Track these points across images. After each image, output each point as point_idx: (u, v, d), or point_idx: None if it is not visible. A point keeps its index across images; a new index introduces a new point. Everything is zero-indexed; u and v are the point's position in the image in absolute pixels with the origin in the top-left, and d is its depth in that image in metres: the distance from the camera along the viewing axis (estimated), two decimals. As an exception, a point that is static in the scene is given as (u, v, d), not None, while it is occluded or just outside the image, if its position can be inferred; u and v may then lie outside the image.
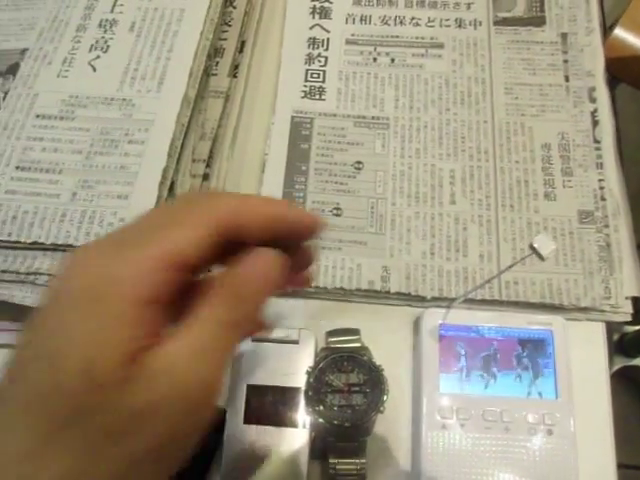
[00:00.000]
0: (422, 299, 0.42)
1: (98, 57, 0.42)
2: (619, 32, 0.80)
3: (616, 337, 1.09)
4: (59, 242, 0.35)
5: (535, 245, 0.31)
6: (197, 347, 0.21)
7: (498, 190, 0.45)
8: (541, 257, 0.31)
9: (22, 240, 0.35)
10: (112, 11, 0.43)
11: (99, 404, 0.19)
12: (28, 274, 0.35)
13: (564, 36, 0.50)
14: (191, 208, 0.23)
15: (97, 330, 0.20)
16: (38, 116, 0.39)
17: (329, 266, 0.43)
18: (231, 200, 0.23)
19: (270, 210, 0.24)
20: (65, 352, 0.19)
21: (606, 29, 0.60)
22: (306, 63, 0.50)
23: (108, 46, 0.42)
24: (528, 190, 0.45)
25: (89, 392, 0.19)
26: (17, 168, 0.37)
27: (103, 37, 0.42)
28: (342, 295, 0.43)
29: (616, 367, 1.04)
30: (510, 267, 0.33)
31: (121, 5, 0.44)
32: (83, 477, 0.19)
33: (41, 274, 0.35)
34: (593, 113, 0.48)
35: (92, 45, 0.42)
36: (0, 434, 0.19)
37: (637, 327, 1.06)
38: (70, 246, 0.35)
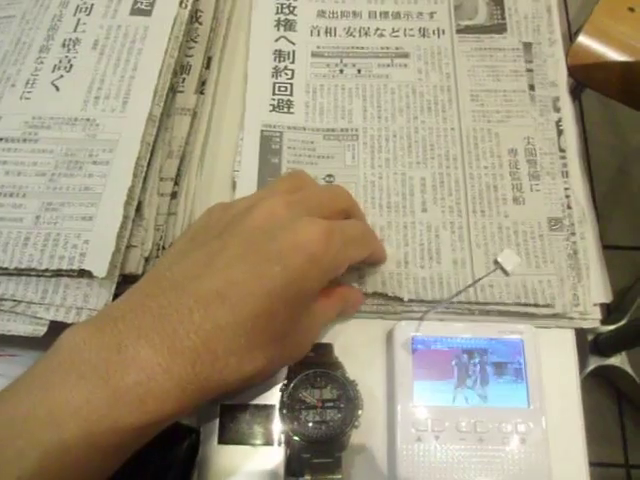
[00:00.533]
0: (400, 300, 0.42)
1: (61, 77, 0.41)
2: (583, 39, 0.82)
3: (591, 337, 1.12)
4: (22, 266, 0.34)
5: (499, 260, 0.31)
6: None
7: (468, 196, 0.45)
8: (506, 272, 0.31)
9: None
10: (75, 30, 0.43)
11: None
12: (-7, 300, 0.34)
13: (527, 45, 0.51)
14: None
15: None
16: (1, 139, 0.38)
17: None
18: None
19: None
20: None
21: (572, 36, 0.61)
22: (273, 76, 0.50)
23: (71, 65, 0.41)
24: (497, 195, 0.45)
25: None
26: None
27: (67, 56, 0.42)
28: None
29: (591, 367, 1.06)
30: (476, 282, 0.34)
31: (84, 24, 0.43)
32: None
33: (6, 300, 0.35)
34: (558, 123, 0.49)
35: (55, 65, 0.42)
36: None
37: (611, 327, 1.08)
38: (34, 270, 0.35)
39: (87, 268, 0.34)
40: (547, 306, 0.42)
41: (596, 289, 0.43)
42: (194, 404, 0.29)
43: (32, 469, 0.25)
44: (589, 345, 1.06)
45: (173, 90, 0.44)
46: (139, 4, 0.43)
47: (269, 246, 0.31)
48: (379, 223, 0.44)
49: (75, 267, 0.34)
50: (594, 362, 1.05)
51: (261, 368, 0.32)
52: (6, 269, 0.35)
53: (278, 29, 0.51)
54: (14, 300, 0.35)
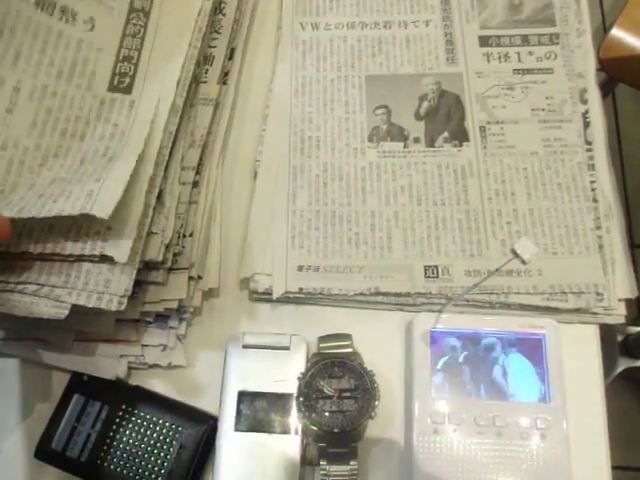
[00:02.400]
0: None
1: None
2: (616, 32, 0.80)
3: (620, 338, 1.09)
4: (46, 251, 0.35)
5: (516, 249, 0.31)
6: None
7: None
8: (523, 261, 0.31)
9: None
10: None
11: None
12: (17, 283, 0.35)
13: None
14: None
15: None
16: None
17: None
18: None
19: None
20: None
21: (606, 29, 0.60)
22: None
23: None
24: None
25: None
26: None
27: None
28: (334, 300, 0.43)
29: (620, 369, 1.04)
30: (493, 272, 0.33)
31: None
32: None
33: (30, 283, 0.36)
34: (584, 114, 0.47)
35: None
36: None
37: (641, 328, 1.05)
38: (57, 254, 0.36)
39: (109, 254, 0.35)
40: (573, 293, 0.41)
41: (621, 284, 0.42)
42: None
43: None
44: (618, 346, 1.04)
45: (196, 80, 0.45)
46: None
47: None
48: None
49: (97, 252, 0.35)
50: (623, 364, 1.02)
51: None
52: (30, 253, 0.35)
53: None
54: (37, 284, 0.35)
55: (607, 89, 0.87)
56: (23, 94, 0.39)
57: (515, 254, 0.31)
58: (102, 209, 0.33)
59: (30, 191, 0.37)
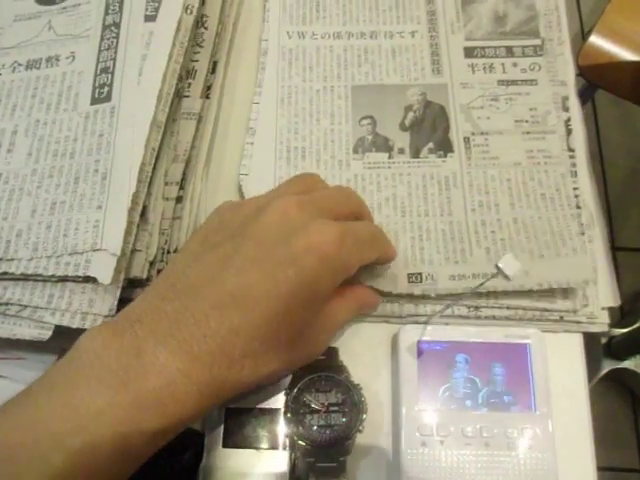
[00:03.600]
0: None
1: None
2: (594, 39, 0.81)
3: (604, 341, 1.10)
4: (29, 272, 0.35)
5: (500, 265, 0.31)
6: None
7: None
8: (507, 277, 0.31)
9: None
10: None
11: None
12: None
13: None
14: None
15: None
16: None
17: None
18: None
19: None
20: None
21: (584, 36, 0.61)
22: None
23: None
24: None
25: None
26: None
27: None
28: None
29: (604, 370, 1.05)
30: (477, 288, 0.34)
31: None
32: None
33: (12, 304, 0.35)
34: (567, 122, 0.48)
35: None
36: None
37: (624, 330, 1.07)
38: (40, 275, 0.35)
39: (92, 275, 0.35)
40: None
41: (604, 293, 0.42)
42: (212, 405, 0.30)
43: (56, 472, 0.26)
44: (603, 348, 1.05)
45: (179, 95, 0.44)
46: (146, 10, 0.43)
47: (282, 248, 0.31)
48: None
49: (80, 274, 0.35)
50: (608, 365, 1.04)
51: (276, 369, 0.33)
52: (12, 274, 0.35)
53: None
54: (20, 305, 0.35)
55: (587, 95, 0.88)
56: (20, 133, 0.42)
57: (499, 270, 0.31)
58: (112, 244, 0.35)
59: (34, 219, 0.38)
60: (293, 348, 0.33)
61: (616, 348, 1.05)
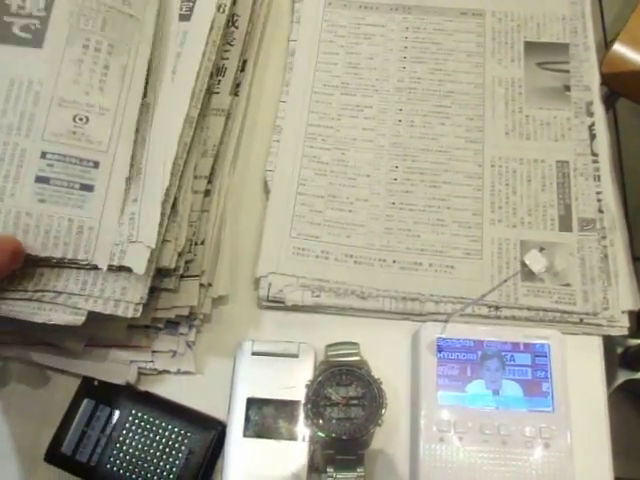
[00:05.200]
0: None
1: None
2: (618, 47, 0.81)
3: (620, 351, 1.09)
4: (68, 256, 0.36)
5: (527, 262, 0.31)
6: None
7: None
8: (532, 273, 0.32)
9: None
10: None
11: None
12: (35, 291, 0.36)
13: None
14: None
15: None
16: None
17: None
18: None
19: None
20: None
21: (607, 44, 0.61)
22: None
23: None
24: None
25: None
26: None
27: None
28: (341, 309, 0.44)
29: (619, 381, 1.04)
30: (502, 283, 0.34)
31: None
32: None
33: (48, 291, 0.36)
34: (591, 127, 0.48)
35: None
36: None
37: (640, 340, 1.06)
38: (75, 262, 0.36)
39: (127, 265, 0.36)
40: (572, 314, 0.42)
41: (624, 296, 0.43)
42: None
43: None
44: (618, 358, 1.04)
45: (209, 91, 0.45)
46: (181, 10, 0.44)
47: None
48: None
49: (116, 263, 0.36)
50: (623, 376, 1.03)
51: None
52: (49, 261, 0.36)
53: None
54: (55, 291, 0.36)
55: (609, 103, 0.88)
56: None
57: (524, 265, 0.32)
58: (147, 236, 0.36)
59: None
60: None
61: (631, 359, 1.04)
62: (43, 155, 0.38)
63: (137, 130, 0.39)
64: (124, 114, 0.39)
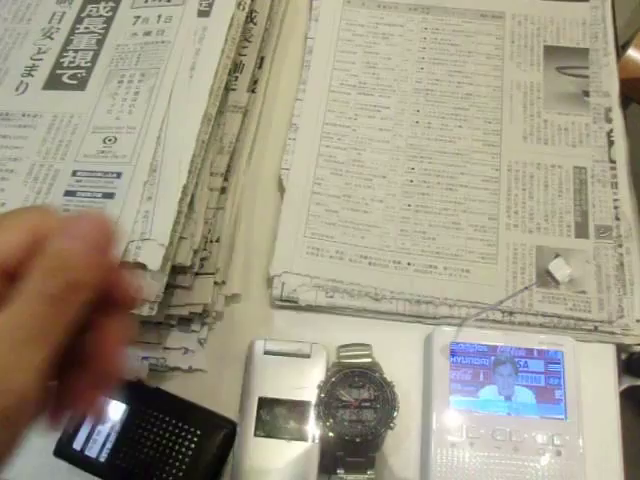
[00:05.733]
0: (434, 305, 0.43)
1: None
2: (632, 53, 0.81)
3: (624, 357, 1.09)
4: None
5: (551, 270, 0.31)
6: (13, 324, 0.19)
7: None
8: (556, 281, 0.31)
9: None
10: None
11: None
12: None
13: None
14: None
15: None
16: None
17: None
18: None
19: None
20: None
21: (618, 48, 0.61)
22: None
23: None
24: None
25: None
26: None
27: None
28: (354, 310, 0.44)
29: (622, 387, 1.04)
30: (525, 289, 0.34)
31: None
32: None
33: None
34: (609, 133, 0.48)
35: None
36: None
37: (645, 346, 1.05)
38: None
39: (142, 261, 0.36)
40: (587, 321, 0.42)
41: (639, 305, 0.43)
42: None
43: None
44: (621, 365, 1.04)
45: (227, 88, 0.45)
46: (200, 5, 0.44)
47: None
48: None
49: (131, 260, 0.36)
50: (626, 382, 1.02)
51: None
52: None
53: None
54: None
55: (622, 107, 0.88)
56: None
57: (549, 274, 0.31)
58: (160, 234, 0.36)
59: None
60: None
61: (635, 365, 1.04)
62: (74, 173, 0.40)
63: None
64: (148, 128, 0.41)
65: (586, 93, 0.49)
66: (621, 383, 1.10)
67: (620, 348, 0.44)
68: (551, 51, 0.51)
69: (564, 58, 0.51)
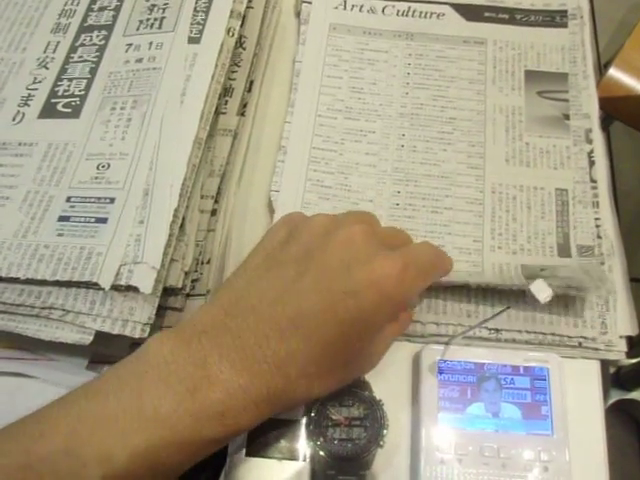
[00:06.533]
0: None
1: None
2: (614, 72, 0.83)
3: (612, 370, 1.10)
4: (74, 279, 0.36)
5: (532, 290, 0.32)
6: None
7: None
8: (538, 301, 0.32)
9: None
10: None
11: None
12: (43, 308, 0.36)
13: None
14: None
15: None
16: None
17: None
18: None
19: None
20: None
21: (601, 69, 0.62)
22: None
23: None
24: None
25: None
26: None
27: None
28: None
29: (612, 400, 1.05)
30: (505, 310, 0.35)
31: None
32: None
33: (56, 309, 0.37)
34: (590, 154, 0.49)
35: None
36: None
37: (634, 360, 1.06)
38: (84, 282, 0.37)
39: (134, 284, 0.36)
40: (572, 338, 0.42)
41: (622, 321, 0.44)
42: (264, 418, 0.32)
43: (119, 469, 0.28)
44: (611, 378, 1.05)
45: (217, 112, 0.46)
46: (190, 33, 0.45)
47: (345, 278, 0.32)
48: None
49: (123, 283, 0.36)
50: (615, 395, 1.03)
51: (329, 387, 0.35)
52: (57, 281, 0.36)
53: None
54: (63, 310, 0.36)
55: (603, 126, 0.90)
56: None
57: (530, 293, 0.32)
58: (152, 257, 0.37)
59: None
60: (347, 368, 0.35)
61: (624, 378, 1.05)
62: (68, 199, 0.41)
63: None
64: (140, 154, 0.42)
65: (566, 116, 0.51)
66: (610, 397, 1.11)
67: (605, 363, 0.45)
68: (532, 76, 0.52)
69: (544, 82, 0.52)
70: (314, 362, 0.32)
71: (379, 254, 0.33)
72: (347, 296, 0.31)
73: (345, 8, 0.55)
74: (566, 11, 0.55)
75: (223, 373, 0.30)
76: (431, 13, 0.55)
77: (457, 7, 0.55)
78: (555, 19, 0.55)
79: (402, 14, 0.55)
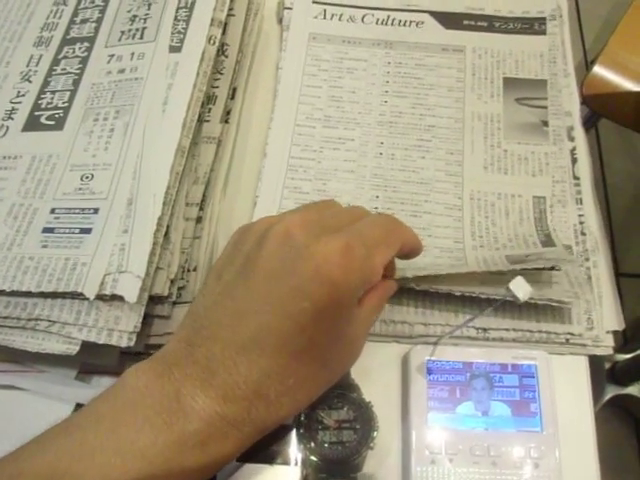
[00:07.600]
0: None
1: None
2: (598, 69, 0.84)
3: (608, 366, 1.10)
4: (59, 290, 0.37)
5: (511, 287, 0.32)
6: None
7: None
8: (517, 299, 0.33)
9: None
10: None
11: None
12: (29, 320, 0.36)
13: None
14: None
15: None
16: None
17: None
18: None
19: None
20: None
21: (587, 66, 0.62)
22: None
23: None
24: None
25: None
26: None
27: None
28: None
29: (608, 396, 1.05)
30: (490, 308, 0.35)
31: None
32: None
33: (42, 320, 0.37)
34: (572, 151, 0.50)
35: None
36: None
37: (628, 356, 1.07)
38: (69, 293, 0.37)
39: (119, 293, 0.36)
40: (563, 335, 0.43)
41: (608, 317, 0.44)
42: (255, 439, 0.31)
43: None
44: (606, 374, 1.05)
45: (200, 120, 0.46)
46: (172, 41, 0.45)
47: (291, 281, 0.30)
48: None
49: (108, 292, 0.36)
50: (611, 391, 1.04)
51: (315, 394, 0.33)
52: (42, 292, 0.37)
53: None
54: (49, 320, 0.37)
55: (590, 123, 0.91)
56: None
57: (510, 292, 0.33)
58: (137, 266, 0.37)
59: None
60: (328, 368, 0.33)
61: (619, 374, 1.05)
62: (52, 211, 0.41)
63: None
64: (124, 164, 0.42)
65: (545, 123, 0.51)
66: (606, 392, 1.12)
67: (594, 360, 0.45)
68: (510, 83, 0.53)
69: (523, 89, 0.52)
70: (290, 374, 0.30)
71: (320, 240, 0.30)
72: (296, 295, 0.29)
73: (325, 17, 0.56)
74: (544, 18, 0.55)
75: (198, 403, 0.29)
76: (410, 21, 0.56)
77: (436, 15, 0.56)
78: (534, 26, 0.55)
79: (381, 22, 0.56)
